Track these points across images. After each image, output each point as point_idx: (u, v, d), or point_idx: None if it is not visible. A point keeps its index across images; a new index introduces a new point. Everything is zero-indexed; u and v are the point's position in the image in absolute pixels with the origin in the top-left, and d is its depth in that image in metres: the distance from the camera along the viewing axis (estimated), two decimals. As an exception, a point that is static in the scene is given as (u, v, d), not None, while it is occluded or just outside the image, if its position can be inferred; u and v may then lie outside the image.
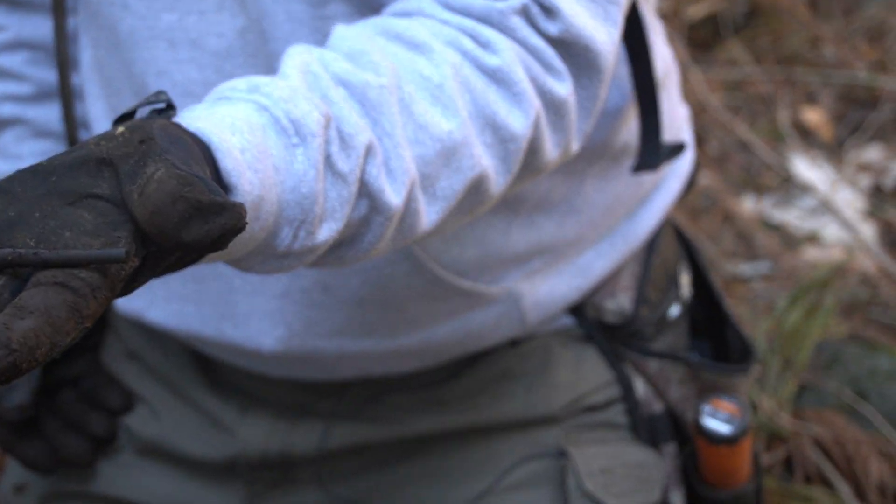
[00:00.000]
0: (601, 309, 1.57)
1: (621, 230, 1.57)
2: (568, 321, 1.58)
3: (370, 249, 1.13)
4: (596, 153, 1.48)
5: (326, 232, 1.07)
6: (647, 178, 1.56)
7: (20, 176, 0.97)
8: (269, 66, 1.36)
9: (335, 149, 1.06)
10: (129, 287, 0.95)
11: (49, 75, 1.66)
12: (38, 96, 1.66)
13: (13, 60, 1.65)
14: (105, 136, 0.98)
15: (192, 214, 0.92)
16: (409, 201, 1.12)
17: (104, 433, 1.62)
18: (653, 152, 1.45)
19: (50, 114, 1.66)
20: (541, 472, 1.54)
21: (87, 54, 1.54)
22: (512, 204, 1.44)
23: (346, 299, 1.44)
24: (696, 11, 3.43)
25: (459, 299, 1.46)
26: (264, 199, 1.02)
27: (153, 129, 0.97)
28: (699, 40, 3.46)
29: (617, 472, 1.54)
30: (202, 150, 1.01)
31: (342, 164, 1.07)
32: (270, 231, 1.04)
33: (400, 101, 1.12)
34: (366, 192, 1.09)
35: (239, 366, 1.56)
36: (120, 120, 1.03)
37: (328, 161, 1.06)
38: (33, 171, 0.97)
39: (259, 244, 1.05)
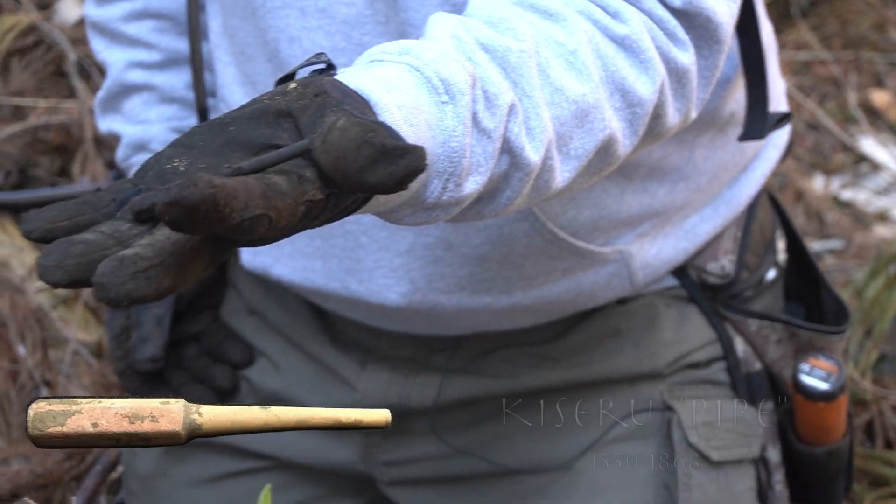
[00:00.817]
0: (704, 271, 1.64)
1: (724, 196, 1.63)
2: (672, 282, 1.65)
3: (508, 204, 1.19)
4: (705, 122, 1.54)
5: (472, 185, 1.13)
6: (750, 146, 1.63)
7: (198, 130, 1.02)
8: (401, 33, 1.42)
9: (481, 107, 1.12)
10: (310, 222, 1.00)
11: (174, 43, 1.74)
12: (164, 63, 1.74)
13: (141, 29, 1.74)
14: (278, 92, 1.03)
15: (376, 158, 0.97)
16: (546, 159, 1.18)
17: (227, 385, 1.70)
18: (760, 122, 1.51)
19: (175, 80, 1.74)
20: (646, 425, 1.61)
21: (216, 22, 1.61)
22: (626, 170, 1.51)
23: (467, 256, 1.51)
24: (764, -5, 3.47)
25: (574, 259, 1.53)
26: None
27: (325, 84, 1.03)
28: (767, 23, 3.50)
29: (719, 427, 1.61)
30: None
31: (487, 121, 1.12)
32: (422, 183, 1.10)
33: (538, 66, 1.18)
34: (507, 148, 1.15)
35: (359, 320, 1.64)
36: (282, 81, 1.09)
37: (474, 118, 1.12)
38: (210, 125, 1.02)
39: (411, 196, 1.10)
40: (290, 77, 1.09)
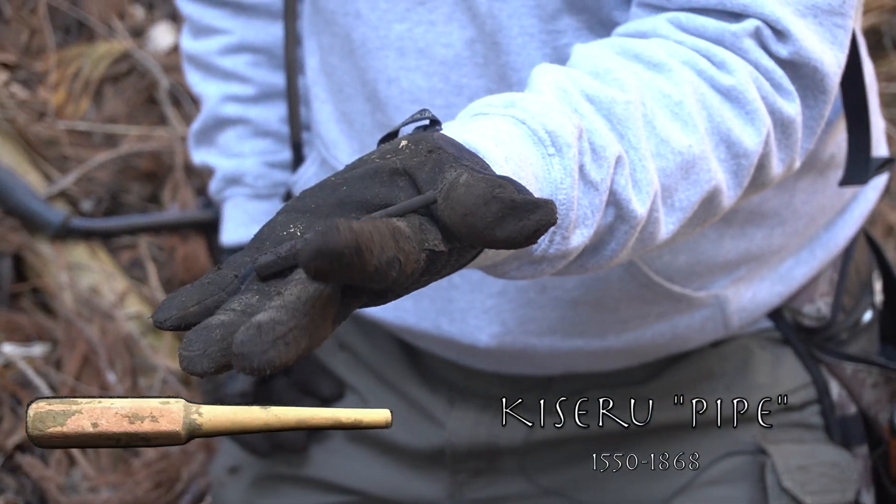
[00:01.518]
0: (799, 313, 1.62)
1: (821, 239, 1.61)
2: (767, 324, 1.63)
3: (612, 257, 1.17)
4: (805, 166, 1.52)
5: (579, 238, 1.11)
6: (849, 189, 1.61)
7: (309, 193, 1.01)
8: (501, 76, 1.42)
9: (587, 159, 1.11)
10: (433, 276, 0.98)
11: (269, 77, 1.75)
12: (259, 97, 1.75)
13: (237, 62, 1.75)
14: (388, 150, 1.02)
15: (505, 213, 0.95)
16: (652, 211, 1.17)
17: (316, 420, 1.70)
18: (862, 168, 1.48)
19: (269, 114, 1.75)
20: (739, 468, 1.60)
21: (314, 59, 1.61)
22: (725, 216, 1.49)
23: (560, 299, 1.50)
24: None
25: (669, 303, 1.52)
26: None
27: (437, 139, 1.01)
28: (857, 54, 3.46)
29: (813, 471, 1.59)
30: None
31: (594, 173, 1.11)
32: None
33: (643, 117, 1.17)
34: (613, 200, 1.14)
35: (449, 359, 1.63)
36: (385, 138, 1.08)
37: (581, 170, 1.10)
38: (321, 187, 1.01)
39: (519, 250, 1.09)
40: (393, 134, 1.08)
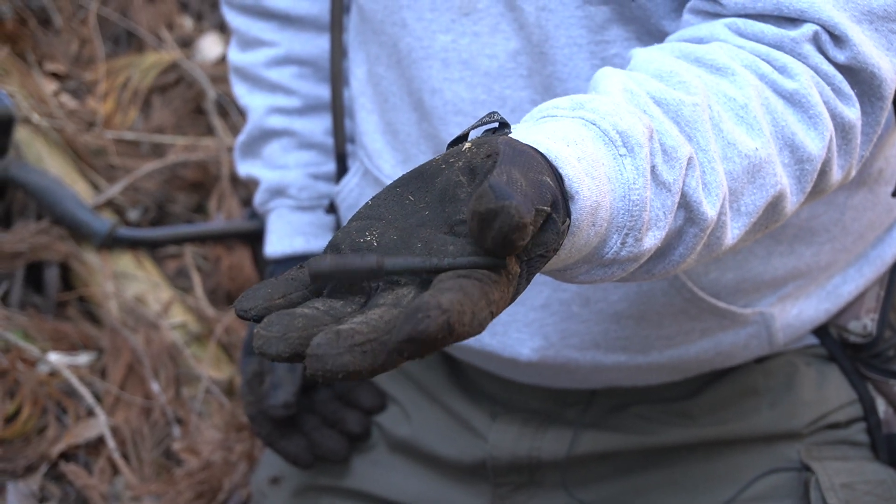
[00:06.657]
0: (845, 329, 1.61)
1: (869, 256, 1.60)
2: (812, 340, 1.62)
3: (680, 262, 1.16)
4: (856, 182, 1.51)
5: (651, 240, 1.10)
6: (896, 204, 1.60)
7: (381, 202, 1.02)
8: (547, 87, 1.41)
9: (659, 160, 1.10)
10: (516, 296, 0.99)
11: (314, 89, 1.75)
12: (304, 109, 1.75)
13: (283, 74, 1.75)
14: (452, 154, 1.02)
15: (483, 227, 0.93)
16: (720, 215, 1.15)
17: (358, 430, 1.70)
18: None
19: (314, 126, 1.75)
20: (783, 484, 1.58)
21: (361, 70, 1.61)
22: (775, 232, 1.48)
23: (603, 313, 1.49)
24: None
25: (713, 319, 1.50)
26: (600, 205, 1.05)
27: (499, 143, 1.01)
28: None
29: (858, 489, 1.57)
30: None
31: (666, 174, 1.10)
32: (602, 238, 1.08)
33: (710, 119, 1.16)
34: (684, 202, 1.13)
35: (491, 372, 1.62)
36: (455, 142, 1.07)
37: (653, 171, 1.10)
38: (392, 196, 1.02)
39: (590, 251, 1.08)
40: (463, 138, 1.07)
